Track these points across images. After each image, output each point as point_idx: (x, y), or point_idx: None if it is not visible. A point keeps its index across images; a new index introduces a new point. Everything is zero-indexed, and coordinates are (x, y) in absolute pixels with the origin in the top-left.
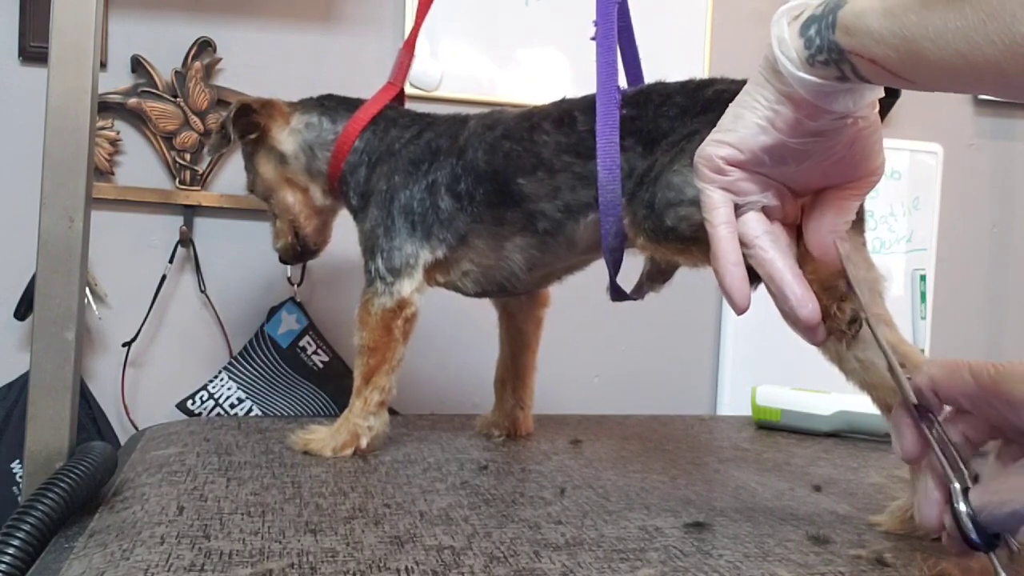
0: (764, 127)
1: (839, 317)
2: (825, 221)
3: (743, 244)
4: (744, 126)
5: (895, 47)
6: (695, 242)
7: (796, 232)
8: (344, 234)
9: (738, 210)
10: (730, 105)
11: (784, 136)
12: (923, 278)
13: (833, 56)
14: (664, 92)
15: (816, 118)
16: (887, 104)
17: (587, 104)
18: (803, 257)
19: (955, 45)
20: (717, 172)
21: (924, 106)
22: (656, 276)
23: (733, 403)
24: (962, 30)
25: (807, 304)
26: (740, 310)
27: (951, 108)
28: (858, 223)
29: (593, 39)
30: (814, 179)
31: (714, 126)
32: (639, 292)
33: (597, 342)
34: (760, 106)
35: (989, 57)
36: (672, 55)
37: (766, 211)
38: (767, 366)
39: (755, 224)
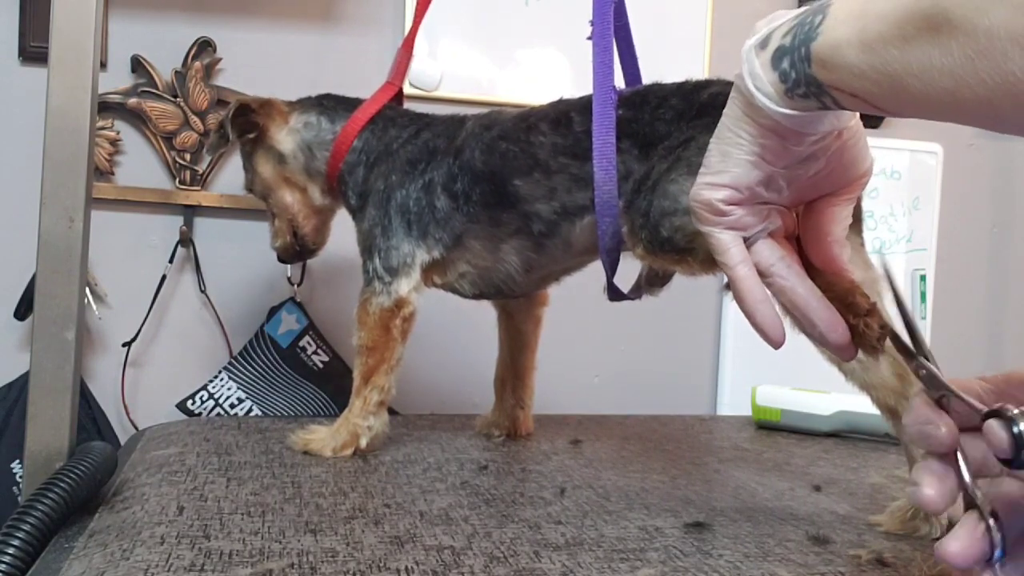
0: (754, 162)
1: (868, 334)
2: (823, 231)
3: (759, 275)
4: (735, 165)
5: (877, 82)
6: (691, 252)
7: (796, 244)
8: (344, 234)
9: (746, 242)
10: (712, 141)
11: (775, 167)
12: (923, 278)
13: (812, 90)
14: (660, 94)
15: (802, 142)
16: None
17: (584, 105)
18: (808, 271)
19: (941, 83)
20: (719, 215)
21: None
22: (654, 280)
23: (733, 403)
24: (948, 67)
25: (837, 328)
26: (777, 344)
27: None
28: (856, 224)
29: (589, 39)
30: (806, 192)
31: (710, 130)
32: (637, 292)
33: (597, 342)
34: (745, 142)
35: (980, 96)
36: (672, 55)
37: (770, 233)
38: (767, 366)
39: (768, 253)
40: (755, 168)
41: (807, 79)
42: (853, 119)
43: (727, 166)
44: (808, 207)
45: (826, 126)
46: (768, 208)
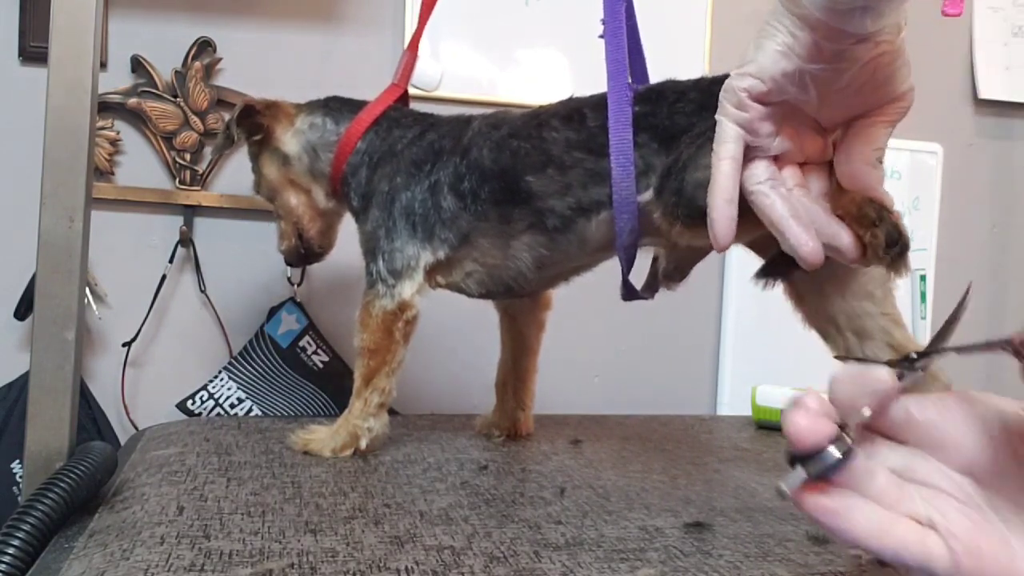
0: (784, 52)
1: (874, 243)
2: (854, 150)
3: (746, 191)
4: (764, 55)
5: None
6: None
7: (828, 171)
8: (343, 234)
9: (748, 154)
10: (752, 38)
11: (804, 62)
12: (923, 278)
13: None
14: (677, 89)
15: (833, 40)
16: None
17: (596, 102)
18: (834, 194)
19: None
20: (738, 107)
21: (924, 106)
22: (673, 274)
23: (733, 403)
24: None
25: (806, 242)
26: (721, 247)
27: (951, 108)
28: None
29: (601, 37)
30: (839, 110)
31: None
32: (650, 291)
33: (597, 342)
34: (780, 32)
35: None
36: (672, 55)
37: (784, 156)
38: (767, 366)
39: (760, 171)
40: (783, 58)
41: None
42: (890, 35)
43: (758, 56)
44: (844, 132)
45: (856, 26)
46: (785, 124)
